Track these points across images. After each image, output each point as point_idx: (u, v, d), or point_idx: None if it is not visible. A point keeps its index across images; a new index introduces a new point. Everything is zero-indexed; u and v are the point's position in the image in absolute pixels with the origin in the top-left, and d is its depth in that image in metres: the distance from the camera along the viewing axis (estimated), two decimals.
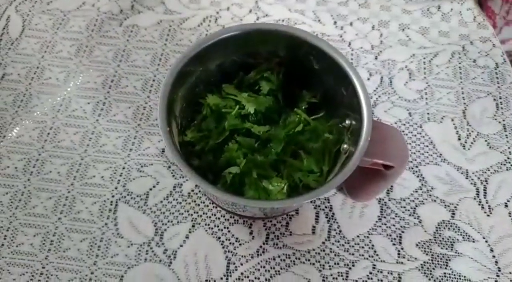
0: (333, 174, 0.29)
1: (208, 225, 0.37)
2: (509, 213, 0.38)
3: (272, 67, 0.33)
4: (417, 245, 0.36)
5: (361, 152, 0.26)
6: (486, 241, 0.37)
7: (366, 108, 0.27)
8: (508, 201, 0.39)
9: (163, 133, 0.25)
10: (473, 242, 0.37)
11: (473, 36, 0.48)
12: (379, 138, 0.27)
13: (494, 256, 0.36)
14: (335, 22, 0.48)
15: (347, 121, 0.29)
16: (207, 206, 0.37)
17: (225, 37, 0.29)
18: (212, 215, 0.37)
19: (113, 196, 0.38)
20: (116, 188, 0.38)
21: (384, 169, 0.29)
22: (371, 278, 0.35)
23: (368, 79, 0.45)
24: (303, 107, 0.33)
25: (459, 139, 0.41)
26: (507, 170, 0.40)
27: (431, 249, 0.36)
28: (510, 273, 0.36)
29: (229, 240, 0.36)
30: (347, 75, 0.28)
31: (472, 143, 0.41)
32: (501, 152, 0.41)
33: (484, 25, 0.49)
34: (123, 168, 0.39)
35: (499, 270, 0.36)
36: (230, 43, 0.30)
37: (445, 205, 0.38)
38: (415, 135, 0.42)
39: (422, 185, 0.39)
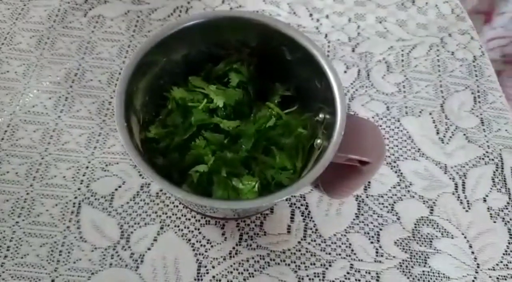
0: (306, 170, 0.27)
1: (178, 226, 0.35)
2: (488, 208, 0.37)
3: (242, 58, 0.31)
4: (395, 242, 0.35)
5: (334, 147, 0.24)
6: (465, 237, 0.36)
7: (340, 101, 0.25)
8: (487, 195, 0.38)
9: (119, 129, 0.23)
10: (452, 238, 0.36)
11: (452, 28, 0.47)
12: (355, 133, 0.26)
13: (473, 252, 0.35)
14: (310, 15, 0.47)
15: (321, 115, 0.28)
16: (177, 206, 0.35)
17: (190, 25, 0.27)
18: (182, 215, 0.35)
19: (75, 197, 0.35)
20: (79, 189, 0.35)
21: (360, 165, 0.28)
22: (349, 278, 0.34)
23: (345, 72, 0.43)
24: (276, 101, 0.31)
25: (438, 133, 0.41)
26: (485, 164, 0.39)
27: (409, 247, 0.35)
28: (488, 269, 0.35)
29: (200, 242, 0.34)
30: (321, 67, 0.26)
31: (450, 137, 0.40)
32: (479, 146, 0.40)
33: (462, 17, 0.48)
34: (87, 167, 0.36)
35: (478, 266, 0.35)
36: (196, 32, 0.28)
37: (424, 201, 0.37)
38: (393, 129, 0.40)
39: (401, 180, 0.38)
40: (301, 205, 0.36)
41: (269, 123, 0.29)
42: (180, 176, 0.29)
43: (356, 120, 0.27)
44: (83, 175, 0.36)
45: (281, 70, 0.31)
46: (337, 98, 0.25)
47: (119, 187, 0.36)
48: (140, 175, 0.36)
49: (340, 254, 0.35)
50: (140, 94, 0.27)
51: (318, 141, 0.27)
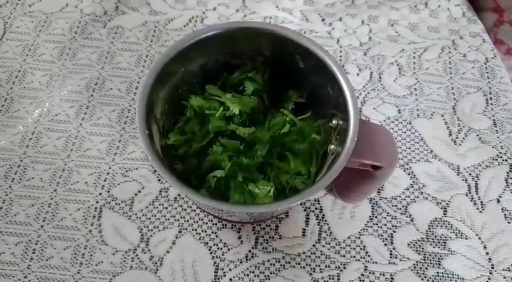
0: (320, 175, 0.28)
1: (196, 230, 0.36)
2: (502, 209, 0.37)
3: (257, 67, 0.32)
4: (409, 244, 0.36)
5: (347, 153, 0.25)
6: (479, 238, 0.36)
7: (353, 107, 0.26)
8: (500, 196, 0.38)
9: (141, 136, 0.24)
10: (466, 239, 0.36)
11: (463, 31, 0.47)
12: (367, 138, 0.26)
13: (487, 253, 0.36)
14: (323, 20, 0.48)
15: (334, 121, 0.29)
16: (194, 210, 0.36)
17: (207, 36, 0.28)
18: (199, 219, 0.36)
19: (97, 202, 0.37)
20: (100, 194, 0.37)
21: (372, 170, 0.28)
22: (363, 280, 0.34)
23: (358, 74, 0.44)
24: (290, 108, 0.32)
25: (450, 135, 0.41)
26: (498, 165, 0.39)
27: (423, 248, 0.36)
28: (503, 270, 0.35)
29: (217, 245, 0.35)
30: (333, 73, 0.27)
31: (463, 138, 0.41)
32: (492, 147, 0.40)
33: (473, 20, 0.48)
34: (108, 173, 0.38)
35: (492, 267, 0.35)
36: (212, 42, 0.29)
37: (437, 202, 0.38)
38: (405, 132, 0.41)
39: (414, 182, 0.39)
40: (316, 208, 0.37)
41: (284, 130, 0.30)
42: (198, 181, 0.30)
43: (369, 126, 0.28)
44: (104, 180, 0.37)
45: (294, 78, 0.32)
46: (349, 105, 0.26)
47: (139, 191, 0.37)
48: (159, 180, 0.38)
49: (354, 256, 0.35)
50: (160, 103, 0.28)
51: (332, 147, 0.28)
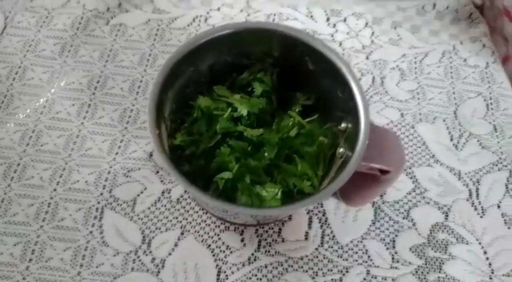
0: (328, 178, 0.28)
1: (198, 232, 0.35)
2: (502, 214, 0.38)
3: (266, 68, 0.32)
4: (410, 249, 0.36)
5: (358, 156, 0.25)
6: (480, 243, 0.36)
7: (364, 111, 0.26)
8: (501, 201, 0.38)
9: (152, 136, 0.24)
10: (467, 244, 0.36)
11: (463, 35, 0.48)
12: (376, 142, 0.26)
13: (487, 258, 0.36)
14: (328, 19, 0.47)
15: (343, 125, 0.28)
16: (197, 212, 0.36)
17: (218, 36, 0.28)
18: (202, 221, 0.36)
19: (98, 202, 0.36)
20: (101, 194, 0.36)
21: (380, 174, 0.28)
22: None
23: (360, 79, 0.44)
24: (297, 110, 0.32)
25: (452, 139, 0.41)
26: (498, 170, 0.40)
27: (424, 253, 0.36)
28: (503, 275, 0.35)
29: (219, 247, 0.35)
30: (343, 76, 0.27)
31: (464, 143, 0.41)
32: (493, 152, 0.41)
33: (476, 23, 0.48)
34: (109, 172, 0.37)
35: (492, 273, 0.35)
36: (222, 42, 0.28)
37: (439, 207, 0.38)
38: (407, 136, 0.41)
39: (416, 186, 0.39)
40: (319, 211, 0.37)
41: (292, 132, 0.30)
42: (206, 182, 0.29)
43: (377, 129, 0.28)
44: (105, 180, 0.37)
45: (303, 80, 0.32)
46: (360, 108, 0.26)
47: (141, 192, 0.37)
48: (162, 181, 0.37)
49: (357, 260, 0.35)
50: (169, 102, 0.28)
51: (341, 150, 0.28)
